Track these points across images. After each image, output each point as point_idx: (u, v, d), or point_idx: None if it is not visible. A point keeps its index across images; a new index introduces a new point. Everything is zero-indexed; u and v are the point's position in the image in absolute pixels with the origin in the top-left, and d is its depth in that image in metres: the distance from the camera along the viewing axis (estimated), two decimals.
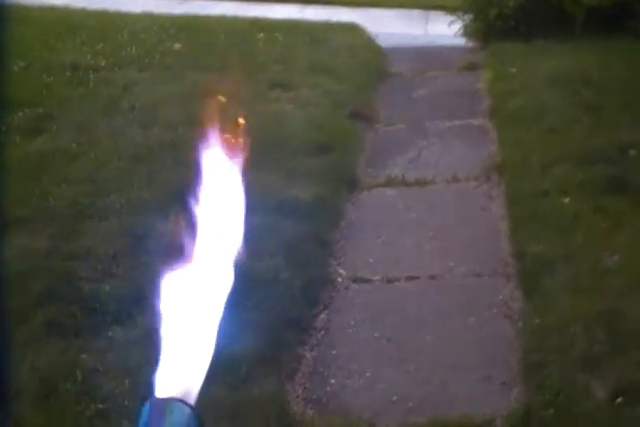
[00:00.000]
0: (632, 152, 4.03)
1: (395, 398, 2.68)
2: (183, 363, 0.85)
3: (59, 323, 2.83)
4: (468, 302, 3.17)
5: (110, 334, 2.81)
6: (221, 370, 2.62)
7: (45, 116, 4.72)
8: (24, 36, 6.22)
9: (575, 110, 4.58)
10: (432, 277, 3.35)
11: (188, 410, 0.83)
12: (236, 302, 3.22)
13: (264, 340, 2.81)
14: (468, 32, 6.50)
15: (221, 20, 7.04)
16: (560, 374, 2.59)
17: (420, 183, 4.19)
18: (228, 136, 0.95)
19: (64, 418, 2.42)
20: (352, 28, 6.96)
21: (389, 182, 4.22)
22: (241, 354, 2.72)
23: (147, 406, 0.82)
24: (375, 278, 3.36)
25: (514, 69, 5.49)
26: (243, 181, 0.96)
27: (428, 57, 6.53)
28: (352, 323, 3.08)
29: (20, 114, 4.69)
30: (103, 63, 5.72)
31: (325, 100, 5.12)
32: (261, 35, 6.56)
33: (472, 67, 6.05)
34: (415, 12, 8.18)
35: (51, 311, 2.88)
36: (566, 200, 3.65)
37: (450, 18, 6.54)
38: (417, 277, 3.35)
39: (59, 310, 2.88)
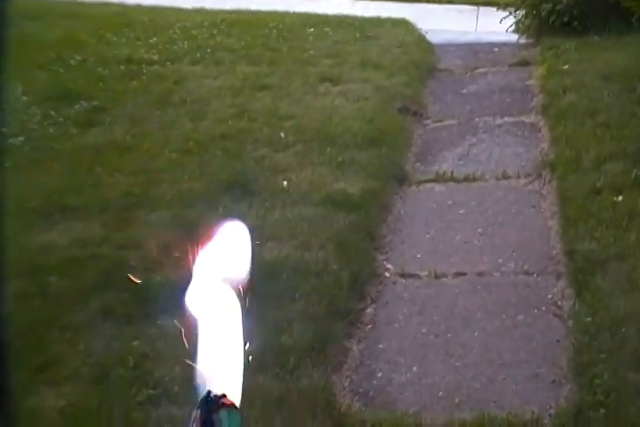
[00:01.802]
0: None
1: (441, 393, 2.67)
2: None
3: (112, 310, 2.89)
4: (516, 300, 3.14)
5: (160, 322, 2.85)
6: (270, 360, 2.64)
7: (100, 109, 4.82)
8: (81, 32, 6.36)
9: (630, 107, 4.49)
10: (480, 274, 3.33)
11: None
12: (285, 293, 3.25)
13: (312, 331, 2.82)
14: (520, 28, 6.42)
15: (272, 16, 7.07)
16: (611, 374, 2.55)
17: (470, 180, 4.16)
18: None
19: (116, 402, 2.46)
20: (402, 24, 6.93)
21: (438, 178, 4.19)
22: (289, 345, 2.75)
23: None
24: (423, 274, 3.35)
25: (567, 66, 5.40)
26: None
27: (478, 53, 6.46)
28: (399, 317, 3.08)
29: (77, 106, 4.80)
30: (156, 57, 5.80)
31: (375, 94, 5.11)
32: (312, 30, 6.58)
33: (524, 63, 5.98)
34: (466, 8, 8.11)
35: (105, 298, 2.94)
36: (620, 198, 3.59)
37: (501, 14, 6.47)
38: (465, 274, 3.33)
39: (112, 298, 2.94)
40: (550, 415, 2.50)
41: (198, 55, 5.89)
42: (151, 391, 2.52)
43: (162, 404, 2.48)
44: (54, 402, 2.50)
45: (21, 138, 4.26)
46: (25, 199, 3.65)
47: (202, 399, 0.79)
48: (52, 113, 4.66)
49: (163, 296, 2.96)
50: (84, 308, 2.91)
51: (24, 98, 4.81)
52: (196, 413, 0.79)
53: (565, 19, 6.06)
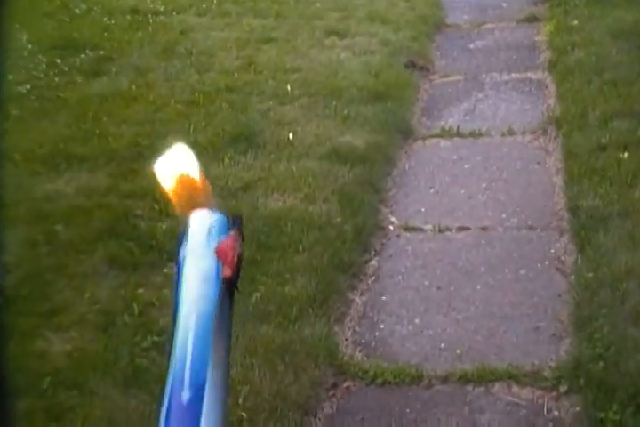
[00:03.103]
0: None
1: (443, 345, 2.70)
2: None
3: (117, 258, 2.91)
4: (519, 255, 3.16)
5: (166, 271, 2.87)
6: (273, 310, 2.67)
7: (106, 59, 4.79)
8: None
9: (638, 65, 4.45)
10: (484, 229, 3.34)
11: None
12: (289, 244, 3.26)
13: (315, 283, 2.85)
14: None
15: None
16: (611, 328, 2.58)
17: (475, 135, 4.15)
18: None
19: (121, 348, 2.50)
20: None
21: (444, 133, 4.18)
22: (292, 296, 2.78)
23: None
24: (426, 227, 3.36)
25: (576, 22, 5.34)
26: None
27: (486, 9, 6.36)
28: (402, 270, 3.10)
29: (82, 56, 4.77)
30: (162, 8, 5.74)
31: (381, 49, 5.06)
32: None
33: (532, 19, 5.90)
34: None
35: (110, 247, 2.96)
36: (625, 155, 3.58)
37: None
38: (468, 228, 3.34)
39: (117, 246, 2.96)
40: (550, 367, 2.53)
41: (204, 6, 5.82)
42: (156, 338, 2.56)
43: (166, 351, 2.51)
44: (60, 347, 2.54)
45: (27, 86, 4.25)
46: (31, 148, 3.66)
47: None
48: (58, 62, 4.63)
49: (168, 245, 2.99)
50: (90, 256, 2.93)
51: (29, 46, 4.77)
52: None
53: None
